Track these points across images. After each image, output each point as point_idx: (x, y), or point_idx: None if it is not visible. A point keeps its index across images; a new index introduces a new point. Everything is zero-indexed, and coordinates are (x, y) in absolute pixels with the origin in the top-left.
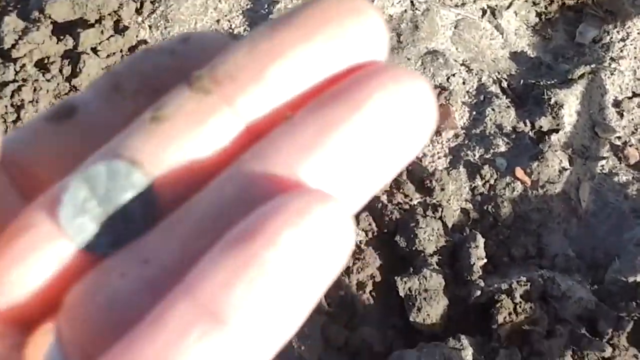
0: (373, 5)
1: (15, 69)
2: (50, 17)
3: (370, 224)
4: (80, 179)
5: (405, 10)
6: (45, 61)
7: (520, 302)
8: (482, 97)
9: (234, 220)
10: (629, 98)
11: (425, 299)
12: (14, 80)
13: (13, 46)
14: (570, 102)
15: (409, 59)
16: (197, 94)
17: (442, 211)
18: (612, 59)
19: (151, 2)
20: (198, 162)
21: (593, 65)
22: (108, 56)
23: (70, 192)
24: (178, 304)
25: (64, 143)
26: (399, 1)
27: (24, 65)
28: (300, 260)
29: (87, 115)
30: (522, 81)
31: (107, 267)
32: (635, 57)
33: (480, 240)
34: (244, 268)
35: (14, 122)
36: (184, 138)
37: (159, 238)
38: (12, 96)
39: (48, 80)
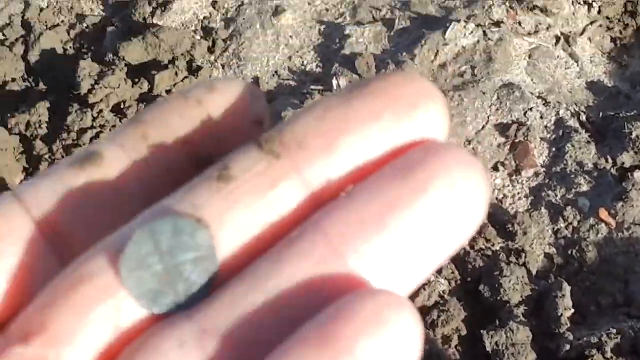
0: (437, 89)
1: (92, 115)
2: (124, 59)
3: (453, 272)
4: (145, 231)
5: (478, 41)
6: (122, 105)
7: (612, 357)
8: (560, 132)
9: (299, 306)
10: None
11: (513, 353)
12: (92, 127)
13: (89, 91)
14: None
15: (484, 92)
16: (267, 156)
17: (525, 257)
18: None
19: (223, 40)
20: (263, 228)
21: None
22: None
23: (134, 243)
24: None
25: (88, 191)
26: (472, 31)
27: (101, 110)
28: None
29: (113, 162)
30: (600, 113)
31: (165, 331)
32: None
33: (567, 289)
34: None
35: None
36: (253, 201)
37: (220, 309)
38: (91, 142)
39: None
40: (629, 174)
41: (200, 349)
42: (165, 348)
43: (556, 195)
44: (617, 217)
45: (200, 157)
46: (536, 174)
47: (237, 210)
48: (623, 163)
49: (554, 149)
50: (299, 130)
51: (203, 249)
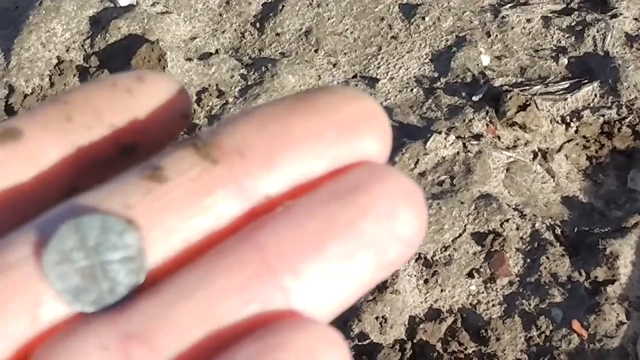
0: (381, 110)
1: None
2: None
3: None
4: (72, 226)
5: (458, 152)
6: None
7: None
8: (536, 244)
9: (229, 320)
10: None
11: None
12: None
13: None
14: (625, 252)
15: (462, 202)
16: (203, 160)
17: None
18: None
19: None
20: (196, 234)
21: None
22: None
23: (59, 236)
24: None
25: (4, 171)
26: (452, 143)
27: None
28: None
29: (33, 141)
30: (575, 228)
31: (87, 332)
32: None
33: None
34: None
35: None
36: (187, 206)
37: (148, 314)
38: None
39: None
40: (602, 288)
41: (124, 354)
42: (87, 349)
43: (530, 305)
44: (589, 329)
45: (126, 146)
46: (510, 283)
47: (169, 214)
48: (596, 277)
49: (528, 260)
50: (239, 138)
51: (132, 250)
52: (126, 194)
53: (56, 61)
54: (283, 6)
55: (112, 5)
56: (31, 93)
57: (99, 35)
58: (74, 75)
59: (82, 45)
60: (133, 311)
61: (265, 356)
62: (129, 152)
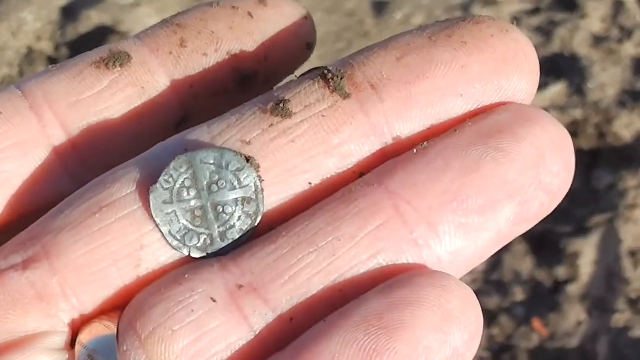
0: (530, 44)
1: None
2: None
3: None
4: (183, 161)
5: None
6: None
7: None
8: None
9: (353, 272)
10: None
11: None
12: None
13: None
14: (586, 252)
15: None
16: (334, 94)
17: None
18: (626, 206)
19: None
20: (320, 174)
21: (608, 213)
22: None
23: (169, 172)
24: None
25: (114, 91)
26: None
27: None
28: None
29: (142, 66)
30: (538, 227)
31: (193, 282)
32: None
33: None
34: None
35: None
36: (311, 144)
37: (262, 262)
38: None
39: None
40: (563, 286)
41: (233, 308)
42: (193, 300)
43: (492, 302)
44: (549, 327)
45: (244, 74)
46: (473, 280)
47: (291, 152)
48: (558, 276)
49: (492, 258)
50: (374, 70)
51: (249, 191)
52: (245, 128)
53: (26, 50)
54: None
55: None
56: (0, 82)
57: (70, 25)
58: (44, 65)
59: (53, 35)
60: (246, 259)
61: (390, 313)
62: (248, 82)
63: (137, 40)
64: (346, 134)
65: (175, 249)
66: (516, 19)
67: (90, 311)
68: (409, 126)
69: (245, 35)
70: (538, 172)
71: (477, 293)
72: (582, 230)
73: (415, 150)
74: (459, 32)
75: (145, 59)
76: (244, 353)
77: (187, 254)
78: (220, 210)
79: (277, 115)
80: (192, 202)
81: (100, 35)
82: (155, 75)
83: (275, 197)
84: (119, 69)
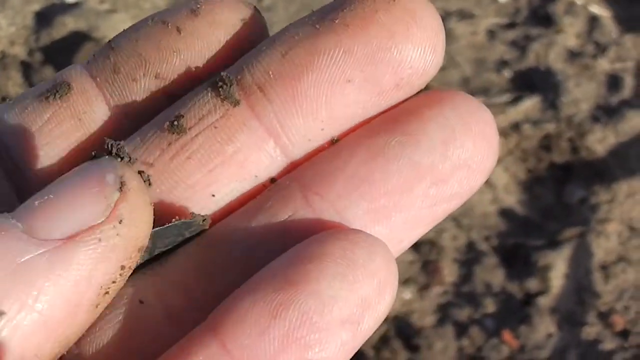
0: (426, 4)
1: None
2: None
3: None
4: None
5: None
6: None
7: None
8: (471, 255)
9: (267, 251)
10: (615, 262)
11: None
12: None
13: None
14: (557, 265)
15: None
16: (224, 104)
17: None
18: (598, 221)
19: None
20: (222, 185)
21: (580, 227)
22: None
23: None
24: (204, 347)
25: (53, 126)
26: None
27: None
28: (340, 313)
29: (81, 97)
30: (510, 240)
31: (125, 290)
32: (621, 221)
33: None
34: (280, 319)
35: None
36: (208, 157)
37: (181, 262)
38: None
39: None
40: (534, 299)
41: (163, 307)
42: (126, 305)
43: (463, 314)
44: (519, 339)
45: (175, 96)
46: (445, 292)
47: (190, 169)
48: (529, 289)
49: (464, 270)
50: (261, 71)
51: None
52: (148, 150)
53: (0, 55)
54: None
55: (59, 1)
56: None
57: (44, 31)
58: (18, 70)
59: (27, 40)
60: (169, 264)
61: (295, 267)
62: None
63: (81, 68)
64: (240, 142)
65: None
66: (492, 33)
67: None
68: (303, 122)
69: (171, 55)
70: (447, 150)
71: (448, 305)
72: (553, 243)
73: (326, 147)
74: (343, 15)
75: (85, 88)
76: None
77: None
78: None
79: (173, 133)
80: None
81: (75, 41)
82: (92, 106)
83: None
84: (58, 102)
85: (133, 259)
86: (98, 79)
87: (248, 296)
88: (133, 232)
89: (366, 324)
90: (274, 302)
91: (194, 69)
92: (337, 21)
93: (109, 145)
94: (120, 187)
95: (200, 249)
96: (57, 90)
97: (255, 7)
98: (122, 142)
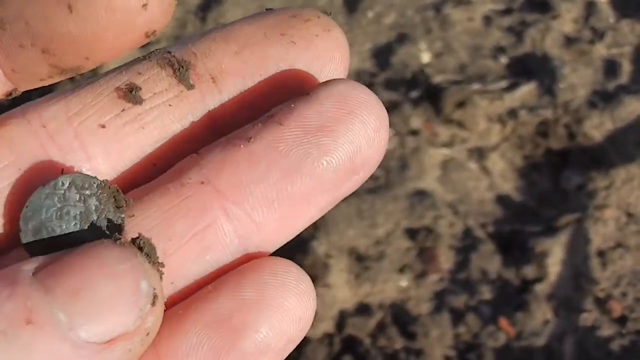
0: (345, 40)
1: None
2: None
3: None
4: (67, 178)
5: (395, 148)
6: None
7: None
8: (468, 242)
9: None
10: (612, 248)
11: None
12: None
13: None
14: (554, 251)
15: (396, 197)
16: (179, 85)
17: (424, 358)
18: (595, 207)
19: None
20: (161, 156)
21: (577, 214)
22: None
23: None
24: None
25: None
26: (389, 138)
27: None
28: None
29: None
30: (507, 227)
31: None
32: (618, 207)
33: None
34: None
35: None
36: (158, 130)
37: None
38: None
39: None
40: (531, 286)
41: None
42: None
43: (459, 301)
44: (516, 327)
45: (66, 70)
46: (441, 279)
47: (141, 138)
48: (526, 276)
49: (460, 257)
50: (214, 63)
51: (90, 210)
52: (101, 110)
53: None
54: None
55: None
56: None
57: None
58: None
59: None
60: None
61: (238, 314)
62: (71, 73)
63: None
64: (187, 122)
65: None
66: (488, 19)
67: None
68: (240, 112)
69: (63, 35)
70: (353, 165)
71: (444, 292)
72: (550, 230)
73: (242, 146)
74: (290, 32)
75: None
76: None
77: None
78: (83, 239)
79: (129, 100)
80: (64, 225)
81: None
82: None
83: (123, 176)
84: None
85: None
86: None
87: (192, 333)
88: (151, 341)
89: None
90: (218, 345)
91: (86, 52)
92: (285, 36)
93: (139, 242)
94: (153, 301)
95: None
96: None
97: None
98: (152, 241)
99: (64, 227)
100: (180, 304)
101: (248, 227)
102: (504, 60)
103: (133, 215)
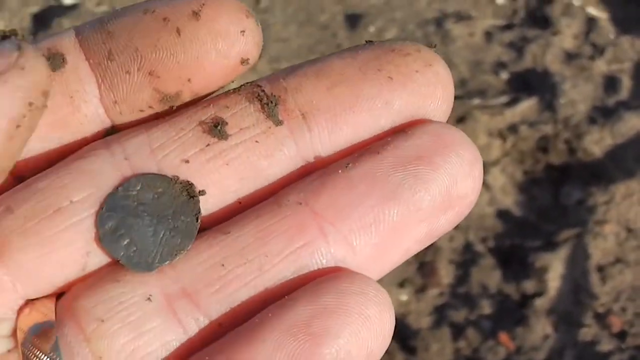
0: (449, 75)
1: None
2: None
3: None
4: (138, 181)
5: None
6: None
7: None
8: (468, 256)
9: (275, 278)
10: (612, 264)
11: None
12: None
13: None
14: (554, 266)
15: None
16: (268, 120)
17: None
18: (595, 222)
19: None
20: (250, 194)
21: (577, 229)
22: None
23: (127, 187)
24: None
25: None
26: None
27: None
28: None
29: (74, 74)
30: (507, 241)
31: (133, 284)
32: (618, 222)
33: None
34: None
35: None
36: (244, 167)
37: (194, 271)
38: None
39: None
40: (531, 301)
41: (169, 311)
42: (133, 303)
43: (459, 316)
44: (516, 341)
45: (166, 95)
46: (441, 294)
47: (225, 174)
48: (526, 290)
49: (460, 271)
50: (306, 98)
51: (186, 224)
52: (184, 145)
53: None
54: None
55: (57, 3)
56: None
57: (42, 33)
58: None
59: None
60: (181, 265)
61: (316, 320)
62: (170, 101)
63: (75, 40)
64: (275, 159)
65: (113, 255)
66: (489, 34)
67: (34, 301)
68: (333, 151)
69: (169, 57)
70: (450, 198)
71: (445, 306)
72: (550, 245)
73: (340, 171)
74: (387, 68)
75: (78, 65)
76: (177, 353)
77: (123, 261)
78: (161, 234)
79: (214, 135)
80: (141, 222)
81: None
82: (85, 85)
83: (209, 211)
84: (51, 73)
85: (40, 100)
86: (91, 61)
87: (269, 340)
88: (34, 77)
89: None
90: (296, 352)
91: (188, 75)
92: (381, 72)
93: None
94: (19, 47)
95: (207, 254)
96: (51, 61)
97: (255, 18)
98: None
99: (141, 223)
100: (258, 314)
101: (344, 249)
102: (504, 75)
103: (229, 232)
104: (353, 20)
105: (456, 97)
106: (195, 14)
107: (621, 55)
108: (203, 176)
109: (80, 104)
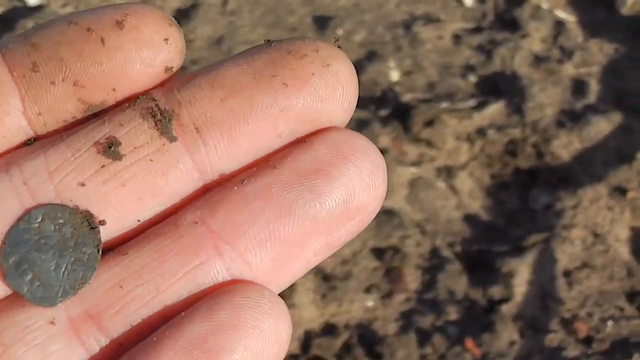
0: (351, 73)
1: None
2: None
3: None
4: (40, 212)
5: None
6: None
7: None
8: (435, 261)
9: (173, 301)
10: (579, 268)
11: None
12: None
13: None
14: (521, 271)
15: None
16: (162, 137)
17: None
18: (563, 227)
19: None
20: (149, 214)
21: (545, 233)
22: None
23: (29, 220)
24: None
25: None
26: None
27: None
28: None
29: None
30: (475, 246)
31: (38, 309)
32: (585, 226)
33: None
34: None
35: None
36: (140, 187)
37: (95, 293)
38: None
39: None
40: (497, 306)
41: (72, 333)
42: (38, 327)
43: (426, 322)
44: (482, 347)
45: (91, 105)
46: (408, 299)
47: (122, 195)
48: (493, 296)
49: (427, 277)
50: (199, 112)
51: (86, 257)
52: (79, 167)
53: None
54: (195, 13)
55: (21, 4)
56: None
57: (6, 35)
58: None
59: None
60: (84, 289)
61: (212, 337)
62: (95, 110)
63: None
64: (172, 177)
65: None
66: (458, 37)
67: None
68: (230, 165)
69: (94, 65)
70: (348, 209)
71: (411, 312)
72: (518, 250)
73: (236, 188)
74: (283, 73)
75: (1, 79)
76: None
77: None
78: (63, 268)
79: (108, 156)
80: (43, 256)
81: None
82: (8, 98)
83: (110, 234)
84: None
85: None
86: (15, 73)
87: (166, 358)
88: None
89: None
90: None
91: (112, 84)
92: (276, 78)
93: None
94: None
95: (107, 275)
96: None
97: (178, 27)
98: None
99: (43, 257)
100: (155, 332)
101: (241, 266)
102: (473, 78)
103: (127, 254)
104: (322, 23)
105: (424, 101)
106: (119, 24)
107: (589, 59)
108: (100, 199)
109: (3, 117)
